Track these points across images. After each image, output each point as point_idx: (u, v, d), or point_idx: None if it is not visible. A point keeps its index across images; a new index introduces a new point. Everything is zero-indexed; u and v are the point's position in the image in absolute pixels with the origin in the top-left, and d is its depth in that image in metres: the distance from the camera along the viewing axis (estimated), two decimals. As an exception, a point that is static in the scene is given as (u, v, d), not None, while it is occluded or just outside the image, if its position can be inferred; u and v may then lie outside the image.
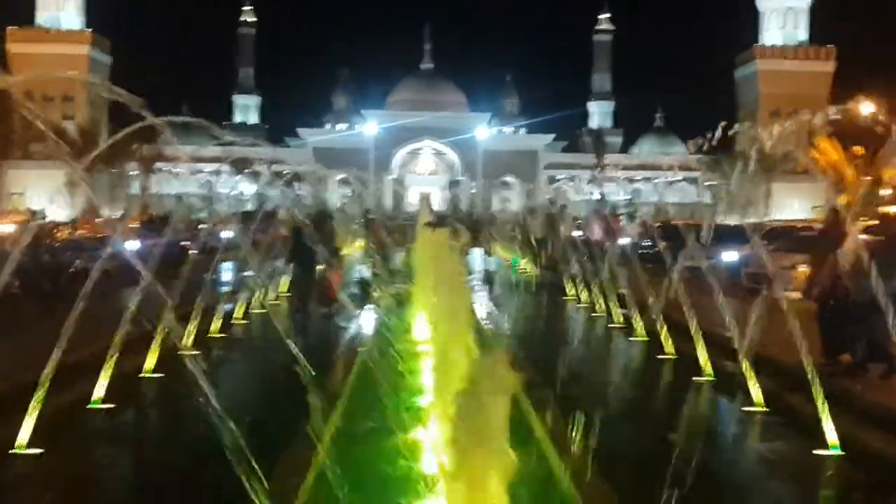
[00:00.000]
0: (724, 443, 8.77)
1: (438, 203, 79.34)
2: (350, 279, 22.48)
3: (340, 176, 73.68)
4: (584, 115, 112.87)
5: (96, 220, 38.89)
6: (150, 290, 9.75)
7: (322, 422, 7.29)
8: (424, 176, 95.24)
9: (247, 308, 16.18)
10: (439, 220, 22.99)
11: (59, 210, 49.70)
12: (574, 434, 7.16)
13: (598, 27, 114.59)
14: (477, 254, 26.70)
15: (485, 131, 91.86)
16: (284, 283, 18.44)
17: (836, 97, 78.08)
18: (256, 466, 5.30)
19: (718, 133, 9.38)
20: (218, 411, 6.63)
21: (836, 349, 10.24)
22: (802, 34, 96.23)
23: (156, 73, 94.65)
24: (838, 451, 7.57)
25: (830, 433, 7.62)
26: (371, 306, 16.61)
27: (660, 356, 12.25)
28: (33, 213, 32.26)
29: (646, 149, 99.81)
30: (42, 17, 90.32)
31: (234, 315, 15.43)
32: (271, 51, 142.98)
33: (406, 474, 6.45)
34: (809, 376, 7.86)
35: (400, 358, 9.75)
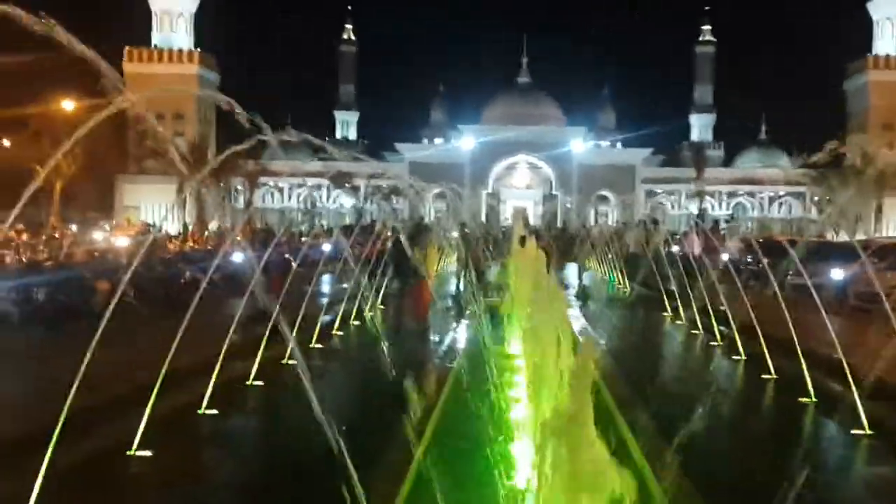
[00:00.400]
0: (831, 467, 8.46)
1: (534, 217, 79.06)
2: (446, 292, 22.69)
3: (436, 190, 74.40)
4: (684, 129, 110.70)
5: (205, 233, 40.50)
6: (255, 300, 10.14)
7: (415, 432, 7.42)
8: (520, 190, 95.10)
9: (345, 319, 16.54)
10: (534, 235, 22.95)
11: (171, 223, 51.86)
12: (676, 456, 7.06)
13: (699, 38, 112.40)
14: (572, 268, 26.54)
15: (581, 145, 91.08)
16: (381, 295, 18.77)
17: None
18: (353, 474, 5.45)
19: (824, 150, 9.14)
20: (316, 420, 6.84)
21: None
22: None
23: (261, 90, 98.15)
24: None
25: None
26: (465, 319, 16.73)
27: (762, 376, 11.90)
28: (149, 227, 33.79)
29: (749, 163, 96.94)
30: (157, 37, 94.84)
31: (333, 326, 15.79)
32: (370, 67, 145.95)
33: (496, 488, 6.48)
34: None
35: (493, 371, 9.80)
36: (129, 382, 9.07)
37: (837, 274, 19.86)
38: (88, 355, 6.95)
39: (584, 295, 23.80)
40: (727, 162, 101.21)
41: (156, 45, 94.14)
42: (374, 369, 11.64)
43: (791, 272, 16.90)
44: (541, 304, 7.66)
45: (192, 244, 32.35)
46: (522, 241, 17.05)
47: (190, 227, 46.34)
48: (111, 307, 7.37)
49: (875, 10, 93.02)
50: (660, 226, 29.91)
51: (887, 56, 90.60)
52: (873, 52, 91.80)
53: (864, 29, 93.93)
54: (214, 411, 9.26)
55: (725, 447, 8.55)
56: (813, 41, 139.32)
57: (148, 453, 7.66)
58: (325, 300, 17.55)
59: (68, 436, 6.66)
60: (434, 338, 15.22)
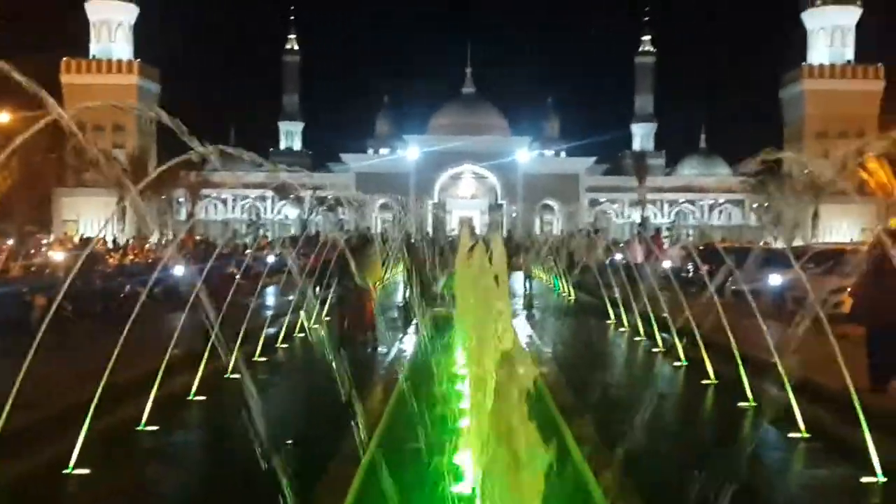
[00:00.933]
0: (768, 469, 8.65)
1: (480, 227, 79.48)
2: (392, 303, 22.65)
3: (382, 201, 74.32)
4: (627, 138, 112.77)
5: (146, 246, 39.80)
6: (197, 314, 9.98)
7: (360, 445, 7.38)
8: (465, 200, 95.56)
9: (289, 332, 16.38)
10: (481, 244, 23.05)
11: (110, 236, 50.86)
12: (615, 460, 7.15)
13: (640, 49, 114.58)
14: (517, 277, 26.72)
15: (525, 155, 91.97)
16: (326, 307, 18.66)
17: (885, 117, 76.87)
18: (296, 488, 5.40)
19: (758, 157, 9.36)
20: (259, 435, 6.77)
21: (884, 374, 10.07)
22: (849, 53, 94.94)
23: (204, 101, 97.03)
24: (884, 479, 7.43)
25: (876, 460, 7.48)
26: (411, 331, 16.72)
27: (702, 381, 12.13)
28: (87, 241, 33.04)
29: (689, 171, 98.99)
30: (95, 48, 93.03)
31: (277, 339, 15.62)
32: (315, 78, 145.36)
33: (441, 495, 6.48)
34: (854, 402, 7.74)
35: (439, 382, 9.80)
36: (66, 399, 8.85)
37: (775, 280, 20.33)
38: (23, 372, 6.78)
39: (529, 303, 24.00)
40: (669, 170, 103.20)
41: (94, 56, 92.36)
42: (318, 382, 11.55)
43: (730, 278, 17.29)
44: (486, 313, 7.69)
45: (132, 257, 31.74)
46: (472, 250, 17.07)
47: (126, 240, 45.46)
48: (47, 322, 7.20)
49: (809, 21, 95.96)
50: (602, 234, 30.35)
51: (821, 65, 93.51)
52: (808, 62, 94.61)
53: (798, 39, 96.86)
54: (155, 427, 9.08)
55: (665, 451, 8.69)
56: (751, 51, 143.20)
57: (86, 471, 7.48)
58: (269, 312, 17.36)
59: (2, 455, 6.48)
60: (380, 349, 15.17)
